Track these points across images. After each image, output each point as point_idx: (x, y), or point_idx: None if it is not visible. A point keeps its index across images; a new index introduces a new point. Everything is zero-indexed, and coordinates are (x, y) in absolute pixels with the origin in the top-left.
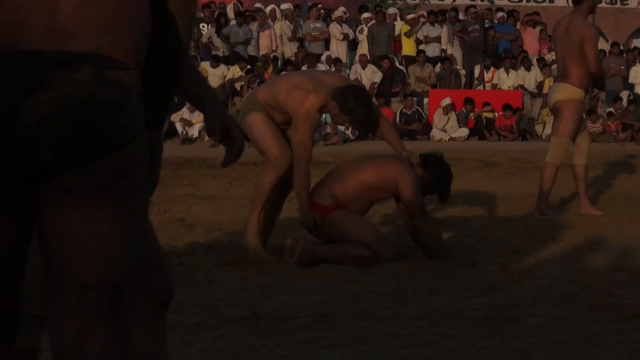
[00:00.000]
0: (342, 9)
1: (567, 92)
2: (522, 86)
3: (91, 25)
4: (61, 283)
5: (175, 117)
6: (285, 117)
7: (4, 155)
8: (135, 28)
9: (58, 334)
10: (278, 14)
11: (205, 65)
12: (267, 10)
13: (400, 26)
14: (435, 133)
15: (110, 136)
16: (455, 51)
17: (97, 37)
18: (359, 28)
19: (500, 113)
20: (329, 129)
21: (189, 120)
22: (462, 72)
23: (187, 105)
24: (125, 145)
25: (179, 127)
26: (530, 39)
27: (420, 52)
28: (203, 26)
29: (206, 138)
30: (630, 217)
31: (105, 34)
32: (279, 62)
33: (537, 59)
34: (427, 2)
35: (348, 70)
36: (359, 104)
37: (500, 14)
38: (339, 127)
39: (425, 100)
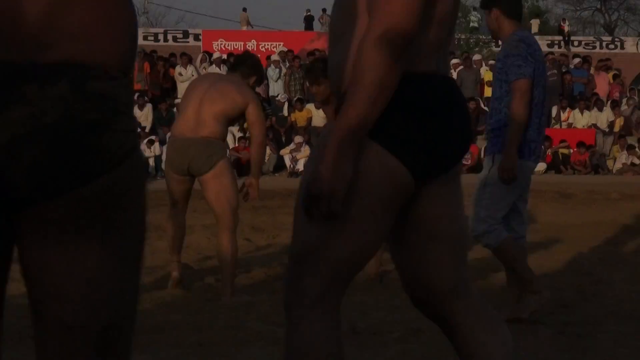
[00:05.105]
0: None
1: None
2: (595, 125)
3: (66, 32)
4: (44, 324)
5: (284, 152)
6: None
7: None
8: (119, 33)
9: None
10: None
11: (310, 107)
12: None
13: (484, 71)
14: None
15: (92, 159)
16: None
17: (75, 44)
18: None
19: (575, 149)
20: None
21: (295, 156)
22: None
23: (295, 141)
24: (111, 168)
25: (287, 160)
26: (602, 83)
27: None
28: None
29: None
30: None
31: (83, 41)
32: None
33: (610, 101)
34: None
35: None
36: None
37: (576, 60)
38: None
39: None
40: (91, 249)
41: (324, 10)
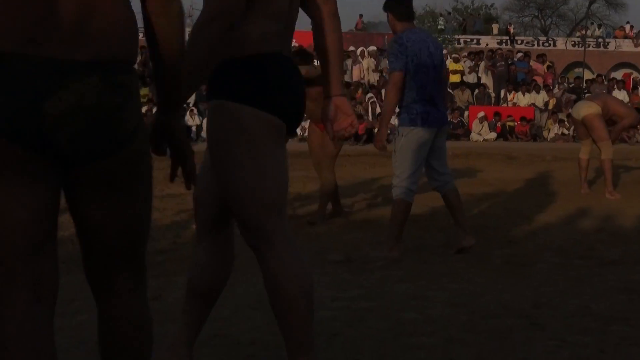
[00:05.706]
0: None
1: None
2: (534, 104)
3: (92, 35)
4: (92, 247)
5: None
6: None
7: (33, 140)
8: (128, 33)
9: (92, 276)
10: (366, 53)
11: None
12: (358, 51)
13: (449, 62)
14: (474, 136)
15: (116, 129)
16: (487, 79)
17: (100, 44)
18: None
19: (519, 122)
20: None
21: (303, 125)
22: (492, 94)
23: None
24: (129, 140)
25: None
26: (539, 72)
27: (462, 82)
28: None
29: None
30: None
31: (105, 42)
32: (365, 86)
33: (545, 86)
34: (469, 45)
35: None
36: None
37: (519, 54)
38: None
39: (466, 113)
40: (120, 199)
41: None
